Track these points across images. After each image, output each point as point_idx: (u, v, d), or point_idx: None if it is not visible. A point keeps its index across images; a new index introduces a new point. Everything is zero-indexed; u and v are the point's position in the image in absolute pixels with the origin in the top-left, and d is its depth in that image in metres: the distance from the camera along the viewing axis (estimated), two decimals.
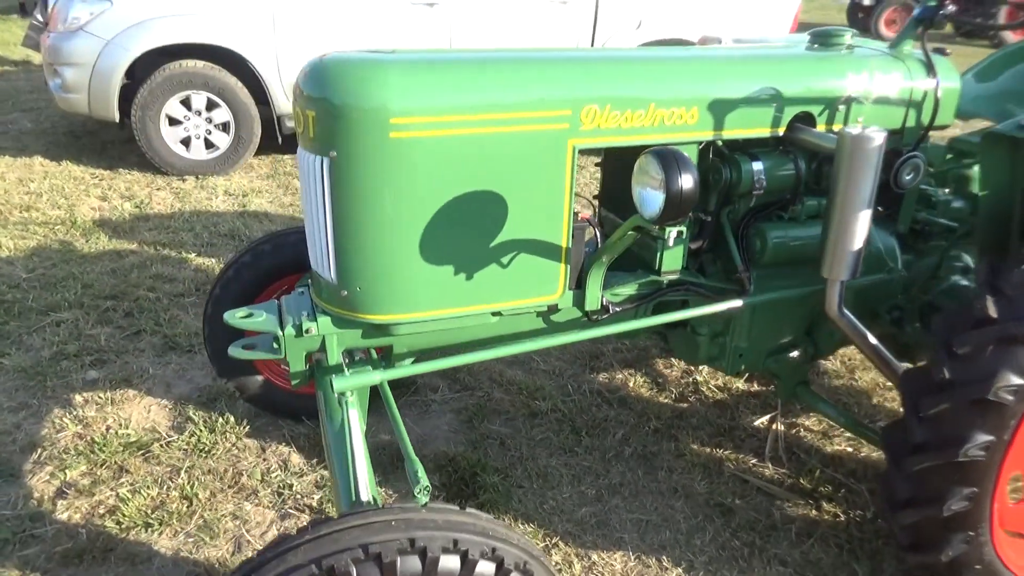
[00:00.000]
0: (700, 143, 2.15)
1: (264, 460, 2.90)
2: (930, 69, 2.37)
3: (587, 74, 2.00)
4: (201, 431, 3.00)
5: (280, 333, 2.07)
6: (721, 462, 2.93)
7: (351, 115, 1.81)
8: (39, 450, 2.89)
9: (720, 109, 2.07)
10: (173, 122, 5.96)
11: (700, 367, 3.52)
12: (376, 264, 1.96)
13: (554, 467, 2.89)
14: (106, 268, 4.36)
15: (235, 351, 2.17)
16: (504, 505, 2.65)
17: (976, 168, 2.70)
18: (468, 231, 1.98)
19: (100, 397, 3.21)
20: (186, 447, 2.94)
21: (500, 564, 1.53)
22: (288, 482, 2.77)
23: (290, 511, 2.65)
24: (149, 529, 2.52)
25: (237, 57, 5.84)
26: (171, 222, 5.14)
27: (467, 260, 2.01)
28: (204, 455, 2.89)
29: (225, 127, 6.05)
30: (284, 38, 5.88)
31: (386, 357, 2.27)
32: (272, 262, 2.85)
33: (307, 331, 2.07)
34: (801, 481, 2.82)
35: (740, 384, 3.43)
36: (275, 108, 6.07)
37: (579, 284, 2.18)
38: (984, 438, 1.82)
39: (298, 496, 2.72)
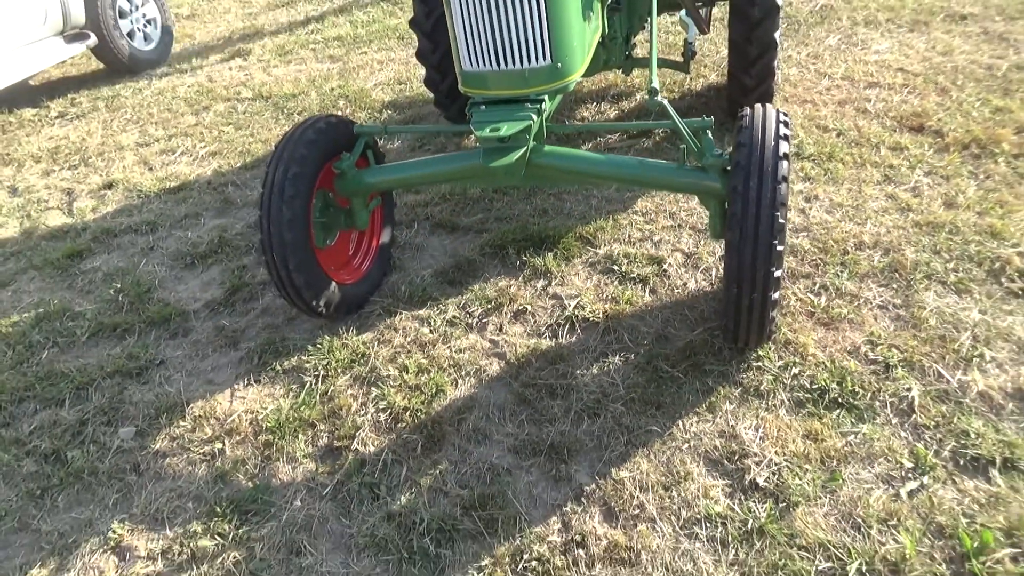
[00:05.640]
0: None
1: (400, 342, 3.03)
2: None
3: None
4: (357, 355, 2.98)
5: (532, 121, 2.56)
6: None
7: None
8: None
9: None
10: None
11: None
12: (575, 27, 2.60)
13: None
14: None
15: (497, 162, 2.53)
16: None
17: None
18: None
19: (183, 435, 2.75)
20: (355, 368, 2.93)
21: None
22: (453, 317, 3.11)
23: (502, 333, 3.02)
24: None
25: None
26: None
27: None
28: (366, 374, 2.96)
29: None
30: None
31: None
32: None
33: (545, 109, 2.61)
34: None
35: None
36: None
37: None
38: None
39: (477, 312, 3.11)
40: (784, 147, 2.43)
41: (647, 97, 2.62)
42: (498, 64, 2.59)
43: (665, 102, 2.63)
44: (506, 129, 2.52)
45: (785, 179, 2.37)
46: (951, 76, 4.48)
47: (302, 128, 2.92)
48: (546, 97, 2.67)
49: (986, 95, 4.20)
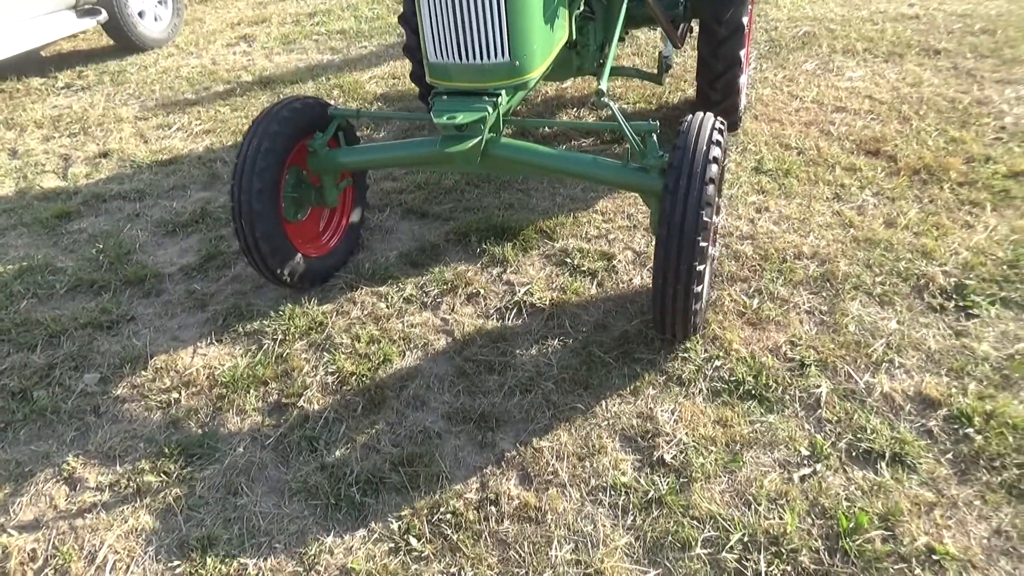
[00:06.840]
0: None
1: (357, 315, 3.30)
2: None
3: None
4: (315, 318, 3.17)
5: (488, 112, 2.74)
6: None
7: None
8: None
9: None
10: None
11: None
12: (535, 29, 2.78)
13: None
14: None
15: (453, 147, 2.72)
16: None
17: None
18: None
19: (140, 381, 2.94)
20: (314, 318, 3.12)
21: None
22: (410, 295, 3.31)
23: (453, 312, 3.28)
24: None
25: None
26: None
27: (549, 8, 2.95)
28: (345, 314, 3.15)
29: None
30: None
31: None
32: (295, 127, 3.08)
33: (502, 103, 2.80)
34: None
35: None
36: None
37: None
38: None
39: (433, 293, 3.32)
40: (715, 152, 2.61)
41: (596, 97, 2.81)
42: (460, 57, 2.77)
43: (612, 104, 2.82)
44: (462, 118, 2.71)
45: (713, 181, 2.56)
46: (915, 106, 4.67)
47: (278, 107, 3.12)
48: (503, 92, 2.86)
49: (944, 126, 4.39)
